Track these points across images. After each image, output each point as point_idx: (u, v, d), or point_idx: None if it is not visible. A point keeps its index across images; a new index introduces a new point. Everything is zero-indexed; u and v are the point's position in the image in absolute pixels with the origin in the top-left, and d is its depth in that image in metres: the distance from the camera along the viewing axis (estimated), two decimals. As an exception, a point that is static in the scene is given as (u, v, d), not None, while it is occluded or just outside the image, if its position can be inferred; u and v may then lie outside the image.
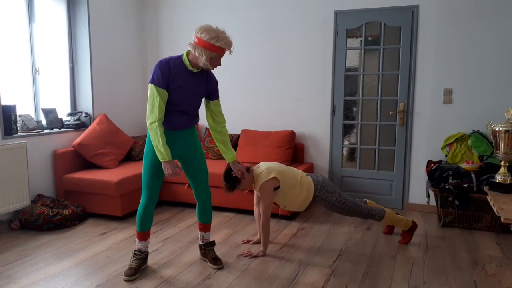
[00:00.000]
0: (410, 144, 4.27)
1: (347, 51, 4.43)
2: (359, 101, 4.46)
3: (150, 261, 3.00)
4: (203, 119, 4.47)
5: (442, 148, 4.12)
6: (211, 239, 3.11)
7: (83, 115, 4.49)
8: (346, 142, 4.61)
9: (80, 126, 4.41)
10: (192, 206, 4.37)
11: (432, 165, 3.90)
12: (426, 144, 4.21)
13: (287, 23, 4.61)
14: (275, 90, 4.75)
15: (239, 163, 2.97)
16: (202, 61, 2.54)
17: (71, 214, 3.78)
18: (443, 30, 4.04)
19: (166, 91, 2.57)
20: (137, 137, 4.87)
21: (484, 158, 3.80)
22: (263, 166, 3.13)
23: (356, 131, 4.55)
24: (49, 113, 4.21)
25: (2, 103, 3.67)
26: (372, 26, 4.33)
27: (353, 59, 4.48)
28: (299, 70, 4.61)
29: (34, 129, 3.99)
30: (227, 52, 2.61)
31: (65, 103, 4.53)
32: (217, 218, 4.03)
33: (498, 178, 2.71)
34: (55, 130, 4.20)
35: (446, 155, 4.07)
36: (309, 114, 4.62)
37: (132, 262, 2.82)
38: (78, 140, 4.18)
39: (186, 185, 4.28)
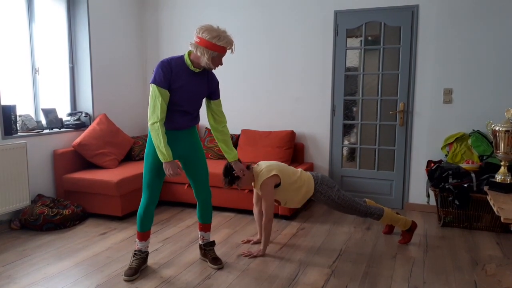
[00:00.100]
0: (410, 144, 4.27)
1: (347, 51, 4.43)
2: (359, 101, 4.46)
3: (150, 261, 3.00)
4: (203, 119, 4.47)
5: (442, 148, 4.12)
6: (211, 239, 3.11)
7: (83, 115, 4.49)
8: (346, 142, 4.61)
9: (80, 126, 4.41)
10: (192, 206, 4.37)
11: (432, 164, 3.90)
12: (426, 144, 4.21)
13: (287, 23, 4.61)
14: (275, 90, 4.75)
15: (240, 162, 2.97)
16: (204, 60, 2.55)
17: (71, 214, 3.78)
18: (443, 30, 4.04)
19: (168, 91, 2.58)
20: (137, 137, 4.87)
21: (484, 158, 3.80)
22: (263, 164, 3.13)
23: (356, 131, 4.55)
24: (49, 113, 4.21)
25: (2, 103, 3.67)
26: (372, 26, 4.33)
27: (353, 59, 4.48)
28: (299, 70, 4.61)
29: (34, 129, 3.99)
30: (228, 51, 2.62)
31: (65, 103, 4.53)
32: (217, 218, 4.03)
33: (498, 177, 2.71)
34: (55, 130, 4.20)
35: (446, 155, 4.07)
36: (309, 114, 4.62)
37: (132, 262, 2.82)
38: (78, 140, 4.18)
39: (186, 185, 4.28)
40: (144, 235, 2.84)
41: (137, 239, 2.85)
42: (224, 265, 2.95)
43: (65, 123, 4.36)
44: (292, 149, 4.52)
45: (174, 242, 3.42)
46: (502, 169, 2.71)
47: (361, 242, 3.43)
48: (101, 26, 4.62)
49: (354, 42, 4.45)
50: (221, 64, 2.64)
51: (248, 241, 3.40)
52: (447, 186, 3.65)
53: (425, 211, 4.24)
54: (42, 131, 4.04)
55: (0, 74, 3.81)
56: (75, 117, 4.44)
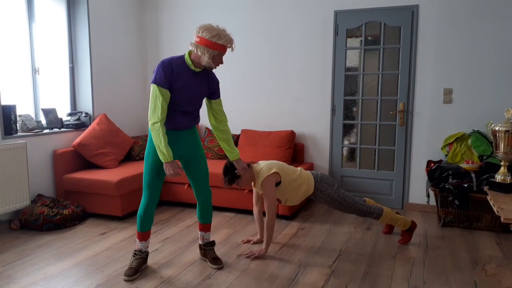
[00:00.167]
0: (410, 144, 4.27)
1: (347, 51, 4.43)
2: (359, 101, 4.46)
3: (150, 261, 3.00)
4: (203, 119, 4.48)
5: (442, 148, 4.12)
6: (211, 239, 3.11)
7: (83, 115, 4.49)
8: (346, 142, 4.61)
9: (80, 126, 4.41)
10: (192, 206, 4.37)
11: (432, 164, 3.90)
12: (426, 144, 4.21)
13: (287, 23, 4.61)
14: (275, 90, 4.75)
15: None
16: (205, 59, 2.55)
17: (71, 214, 3.78)
18: (443, 30, 4.04)
19: (169, 92, 2.58)
20: (137, 137, 4.87)
21: (484, 158, 3.80)
22: (262, 163, 3.14)
23: (356, 131, 4.55)
24: (49, 113, 4.21)
25: (2, 103, 3.67)
26: (372, 26, 4.33)
27: (353, 59, 4.48)
28: (299, 70, 4.62)
29: (34, 129, 3.99)
30: (228, 50, 2.62)
31: (65, 103, 4.53)
32: (217, 218, 4.03)
33: (498, 177, 2.71)
34: (55, 130, 4.20)
35: (446, 155, 4.07)
36: (309, 114, 4.62)
37: (132, 262, 2.82)
38: (78, 140, 4.18)
39: (186, 185, 4.28)
40: (144, 235, 2.84)
41: (137, 239, 2.85)
42: (224, 265, 2.95)
43: (65, 123, 4.36)
44: (292, 149, 4.52)
45: (174, 242, 3.42)
46: (502, 169, 2.72)
47: (361, 242, 3.43)
48: (101, 26, 4.62)
49: (354, 42, 4.45)
50: (222, 63, 2.64)
51: (248, 241, 3.40)
52: (447, 186, 3.65)
53: (425, 211, 4.24)
54: (42, 131, 4.04)
55: (0, 74, 3.81)
56: (75, 117, 4.44)
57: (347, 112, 4.53)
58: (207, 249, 3.01)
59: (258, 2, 4.70)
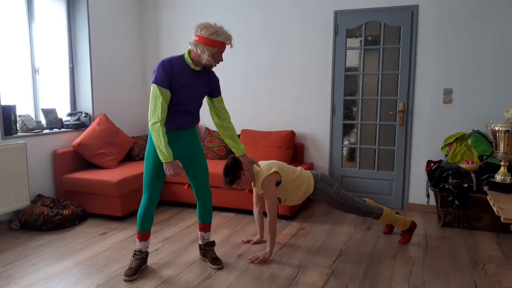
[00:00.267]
0: (410, 144, 4.27)
1: (347, 51, 4.43)
2: (359, 101, 4.46)
3: (150, 261, 3.00)
4: (203, 119, 4.47)
5: (442, 148, 4.12)
6: (211, 239, 3.11)
7: (83, 115, 4.49)
8: (346, 142, 4.61)
9: (80, 126, 4.41)
10: (192, 206, 4.37)
11: (432, 165, 3.90)
12: (426, 144, 4.21)
13: (287, 23, 4.61)
14: (275, 90, 4.75)
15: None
16: (205, 58, 2.55)
17: (71, 214, 3.78)
18: (443, 30, 4.04)
19: (169, 91, 2.58)
20: (137, 137, 4.87)
21: (484, 158, 3.80)
22: (262, 163, 3.13)
23: (356, 131, 4.55)
24: (49, 113, 4.21)
25: (2, 103, 3.67)
26: (372, 26, 4.33)
27: (353, 59, 4.48)
28: (299, 70, 4.62)
29: (34, 129, 3.99)
30: (228, 47, 2.62)
31: (65, 103, 4.53)
32: (217, 218, 4.03)
33: (498, 177, 2.70)
34: (55, 130, 4.20)
35: (446, 155, 4.07)
36: (309, 114, 4.62)
37: (132, 262, 2.82)
38: (78, 140, 4.18)
39: (186, 185, 4.28)
40: (144, 235, 2.84)
41: (137, 239, 2.85)
42: (224, 265, 2.95)
43: (65, 123, 4.36)
44: (292, 149, 4.52)
45: (174, 242, 3.42)
46: (502, 169, 2.71)
47: (361, 242, 3.43)
48: (101, 26, 4.62)
49: (354, 42, 4.45)
50: (222, 60, 2.65)
51: (248, 241, 3.40)
52: (447, 186, 3.65)
53: (425, 211, 4.24)
54: (42, 131, 4.04)
55: (0, 74, 3.81)
56: (75, 117, 4.44)
57: (347, 112, 4.53)
58: (207, 249, 3.01)
59: (258, 2, 4.70)
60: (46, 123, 4.17)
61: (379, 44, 4.31)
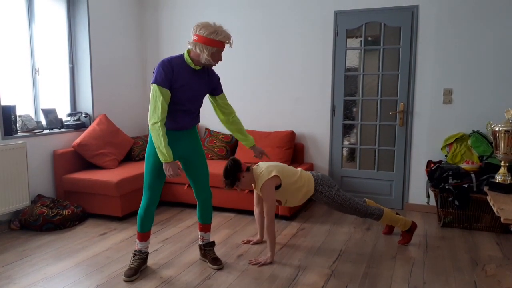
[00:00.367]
0: (410, 144, 4.27)
1: (347, 51, 4.43)
2: (359, 101, 4.46)
3: (150, 261, 3.00)
4: (203, 119, 4.47)
5: (442, 148, 4.12)
6: (211, 240, 3.11)
7: (83, 115, 4.49)
8: (346, 142, 4.61)
9: (80, 126, 4.41)
10: (192, 206, 4.37)
11: (432, 165, 3.90)
12: (426, 144, 4.21)
13: (287, 24, 4.61)
14: (275, 90, 4.75)
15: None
16: (204, 57, 2.55)
17: (71, 214, 3.78)
18: (443, 30, 4.04)
19: (169, 91, 2.58)
20: (137, 137, 4.87)
21: (484, 158, 3.80)
22: (262, 165, 3.12)
23: (356, 131, 4.55)
24: (49, 113, 4.21)
25: (2, 104, 3.67)
26: (372, 26, 4.33)
27: (353, 59, 4.48)
28: (299, 70, 4.61)
29: (34, 129, 3.99)
30: (227, 46, 2.62)
31: (65, 104, 4.53)
32: (217, 219, 4.03)
33: (498, 178, 2.71)
34: (55, 130, 4.20)
35: (446, 155, 4.07)
36: (309, 114, 4.62)
37: (132, 262, 2.82)
38: (78, 140, 4.18)
39: (186, 185, 4.28)
40: (144, 235, 2.84)
41: (137, 240, 2.85)
42: (224, 265, 2.95)
43: (65, 123, 4.36)
44: (292, 149, 4.52)
45: (174, 242, 3.42)
46: (502, 169, 2.72)
47: (361, 242, 3.42)
48: (101, 26, 4.62)
49: (354, 42, 4.45)
50: (221, 59, 2.65)
51: (248, 242, 3.40)
52: (447, 187, 3.65)
53: (425, 212, 4.24)
54: (42, 132, 4.04)
55: (0, 75, 3.81)
56: (75, 118, 4.44)
57: (347, 113, 4.53)
58: (207, 250, 3.01)
59: (258, 2, 4.70)
60: (46, 123, 4.17)
61: (379, 45, 4.31)
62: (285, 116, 4.73)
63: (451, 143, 4.01)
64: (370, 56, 4.39)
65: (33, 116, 4.16)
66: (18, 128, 3.87)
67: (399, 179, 4.36)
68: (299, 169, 3.25)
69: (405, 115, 4.27)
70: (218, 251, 3.18)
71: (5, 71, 3.86)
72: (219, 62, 2.66)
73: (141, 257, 2.84)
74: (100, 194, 3.93)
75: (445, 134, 4.12)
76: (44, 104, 4.27)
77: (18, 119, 3.87)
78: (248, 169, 3.07)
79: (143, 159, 4.66)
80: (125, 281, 2.71)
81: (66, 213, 3.75)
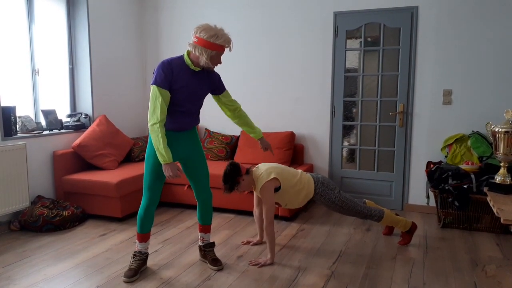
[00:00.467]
0: (410, 145, 4.27)
1: (347, 52, 4.43)
2: (359, 102, 4.47)
3: (150, 262, 3.00)
4: (203, 120, 4.48)
5: (441, 149, 4.12)
6: (211, 240, 3.11)
7: (83, 116, 4.49)
8: (345, 143, 4.61)
9: (79, 127, 4.41)
10: (192, 207, 4.37)
11: (431, 166, 3.90)
12: (426, 145, 4.21)
13: (286, 24, 4.62)
14: (274, 91, 4.75)
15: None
16: (203, 60, 2.55)
17: (70, 215, 3.78)
18: (443, 31, 4.05)
19: (169, 92, 2.58)
20: (136, 138, 4.87)
21: (483, 159, 3.80)
22: (262, 167, 3.12)
23: (356, 132, 4.55)
24: (49, 114, 4.21)
25: (2, 104, 3.67)
26: (371, 27, 4.33)
27: (352, 60, 4.48)
28: (299, 71, 4.62)
29: (34, 130, 3.99)
30: (226, 50, 2.62)
31: (64, 104, 4.53)
32: (217, 219, 4.03)
33: (498, 179, 2.71)
34: (55, 131, 4.20)
35: (445, 156, 4.07)
36: (309, 115, 4.62)
37: (132, 263, 2.81)
38: (77, 141, 4.18)
39: (186, 186, 4.28)
40: (144, 236, 2.84)
41: (137, 241, 2.85)
42: (224, 266, 2.94)
43: (65, 124, 4.36)
44: (292, 150, 4.52)
45: (174, 243, 3.42)
46: (501, 170, 2.72)
47: (361, 243, 3.42)
48: (101, 27, 4.62)
49: (353, 43, 4.46)
50: (220, 63, 2.65)
51: (248, 242, 3.40)
52: (446, 187, 3.65)
53: (425, 212, 4.24)
54: (41, 132, 4.04)
55: (0, 75, 3.81)
56: (75, 118, 4.44)
57: (346, 113, 4.54)
58: (207, 250, 3.00)
59: (258, 2, 4.70)
60: (46, 124, 4.17)
61: (378, 45, 4.31)
62: (285, 117, 4.73)
63: (451, 144, 4.01)
64: (369, 57, 4.40)
65: (33, 117, 4.16)
66: (18, 129, 3.87)
67: (399, 180, 4.37)
68: (299, 170, 3.24)
69: (405, 116, 4.27)
70: (218, 252, 3.18)
71: (5, 72, 3.86)
72: (218, 65, 2.66)
73: (141, 258, 2.84)
74: (100, 195, 3.93)
75: (444, 135, 4.12)
76: (44, 105, 4.27)
77: (18, 120, 3.87)
78: (248, 171, 3.06)
79: (143, 160, 4.66)
80: (125, 282, 2.71)
81: (66, 214, 3.75)
